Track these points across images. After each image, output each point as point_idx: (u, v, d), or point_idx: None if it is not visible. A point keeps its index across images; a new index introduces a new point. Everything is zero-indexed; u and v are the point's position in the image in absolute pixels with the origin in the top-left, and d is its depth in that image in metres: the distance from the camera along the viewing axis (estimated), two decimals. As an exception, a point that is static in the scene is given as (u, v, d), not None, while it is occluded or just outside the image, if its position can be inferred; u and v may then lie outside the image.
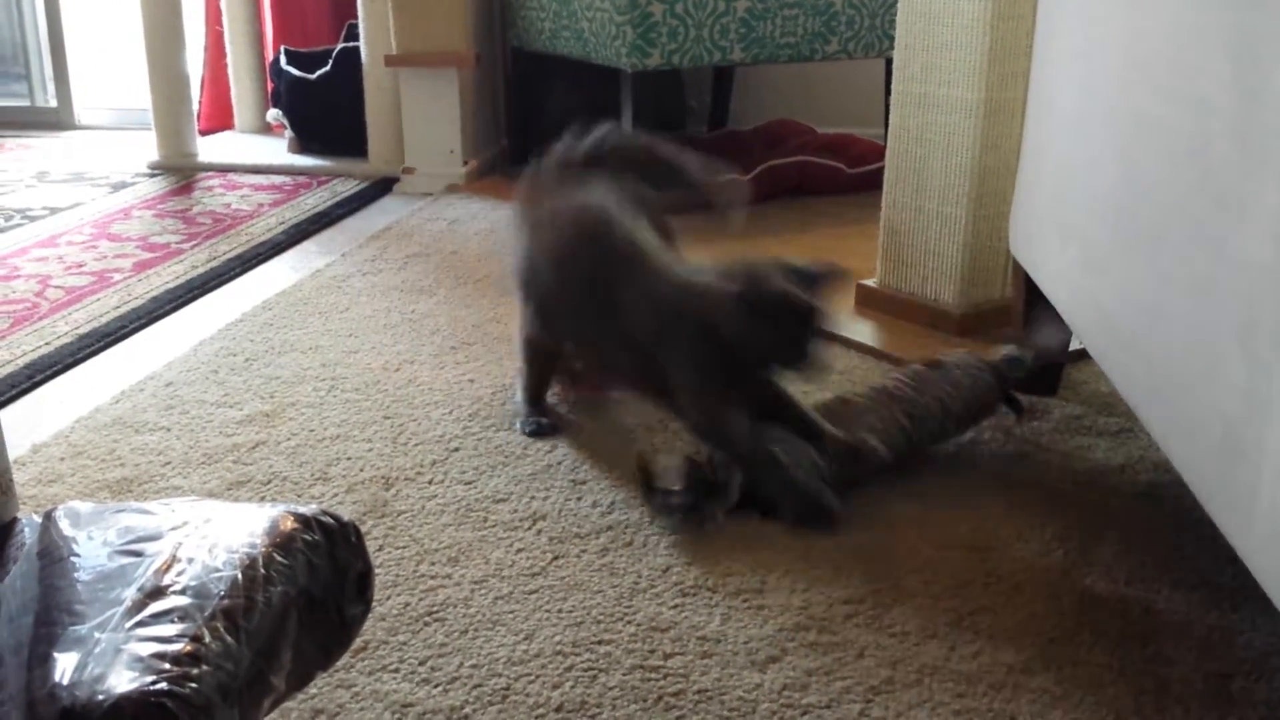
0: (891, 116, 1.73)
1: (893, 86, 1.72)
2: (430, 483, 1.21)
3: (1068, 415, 1.38)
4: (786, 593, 1.01)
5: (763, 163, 2.56)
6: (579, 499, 1.18)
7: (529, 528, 1.12)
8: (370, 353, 1.60)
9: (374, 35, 2.72)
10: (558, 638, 0.95)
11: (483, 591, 1.01)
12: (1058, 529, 1.12)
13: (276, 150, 3.10)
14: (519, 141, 2.96)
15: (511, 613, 0.98)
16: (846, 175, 2.60)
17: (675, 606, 0.99)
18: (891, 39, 2.50)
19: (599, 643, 0.94)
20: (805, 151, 2.65)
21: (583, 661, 0.92)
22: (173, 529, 0.61)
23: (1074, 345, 1.44)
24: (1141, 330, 0.95)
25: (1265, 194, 0.69)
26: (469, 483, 1.22)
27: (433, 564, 1.06)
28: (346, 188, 2.74)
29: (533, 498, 1.18)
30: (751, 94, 3.27)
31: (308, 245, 2.25)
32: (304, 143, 3.05)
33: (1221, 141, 0.76)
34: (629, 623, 0.97)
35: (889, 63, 2.61)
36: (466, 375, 1.51)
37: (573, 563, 1.06)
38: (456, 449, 1.29)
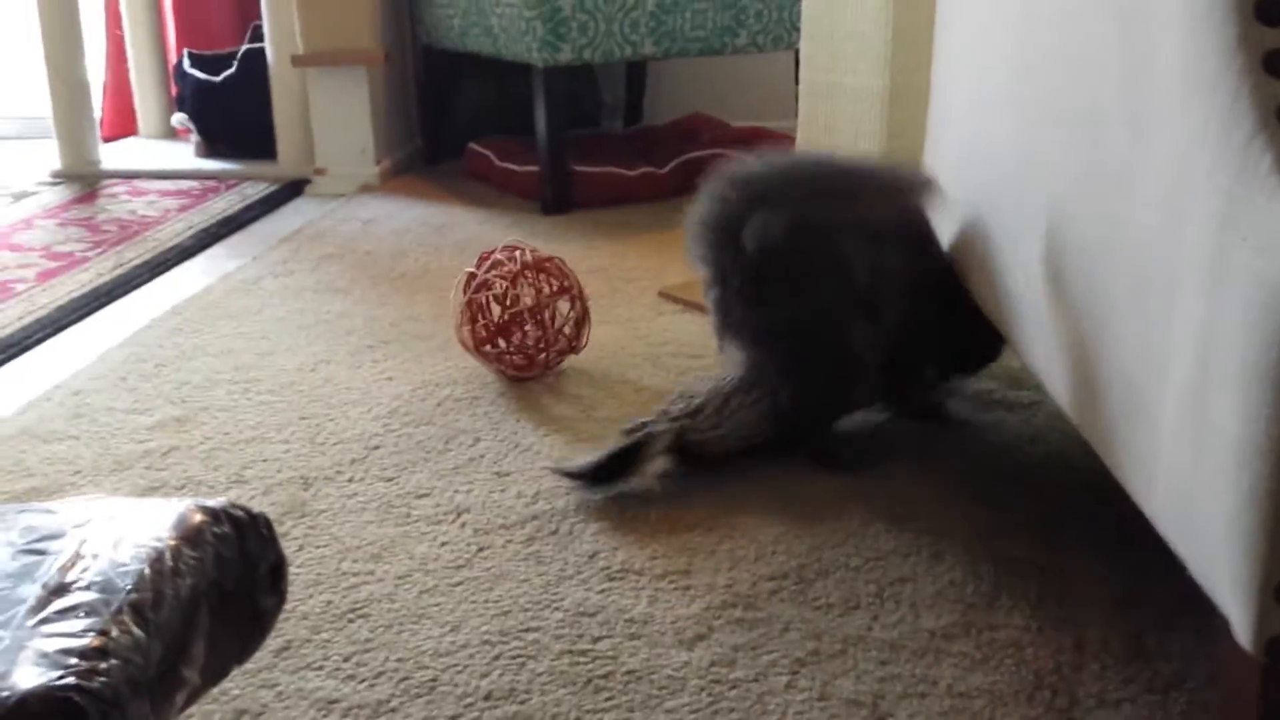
0: (800, 107, 1.75)
1: (800, 76, 1.74)
2: (350, 481, 1.20)
3: (980, 390, 1.40)
4: (712, 572, 1.01)
5: (678, 157, 2.58)
6: (503, 491, 1.17)
7: (452, 521, 1.11)
8: (285, 354, 1.57)
9: (279, 35, 2.68)
10: (484, 628, 0.94)
11: (407, 586, 1.00)
12: (974, 499, 1.14)
13: (183, 155, 3.04)
14: (433, 140, 2.94)
15: (437, 605, 0.97)
16: (761, 166, 2.62)
17: (602, 591, 0.99)
18: (799, 31, 2.53)
19: (526, 630, 0.94)
20: (719, 145, 2.67)
21: (510, 650, 0.91)
22: (76, 526, 0.59)
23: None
24: (1044, 302, 0.97)
25: (1151, 159, 0.72)
26: (390, 479, 1.20)
27: (355, 561, 1.04)
28: (256, 191, 2.69)
29: (456, 491, 1.17)
30: (665, 89, 3.28)
31: (217, 250, 2.21)
32: (211, 147, 2.99)
33: (1113, 109, 0.79)
34: (556, 609, 0.96)
35: (798, 54, 2.65)
36: (385, 374, 1.50)
37: (498, 554, 1.05)
38: (376, 446, 1.28)
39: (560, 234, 2.21)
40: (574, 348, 1.45)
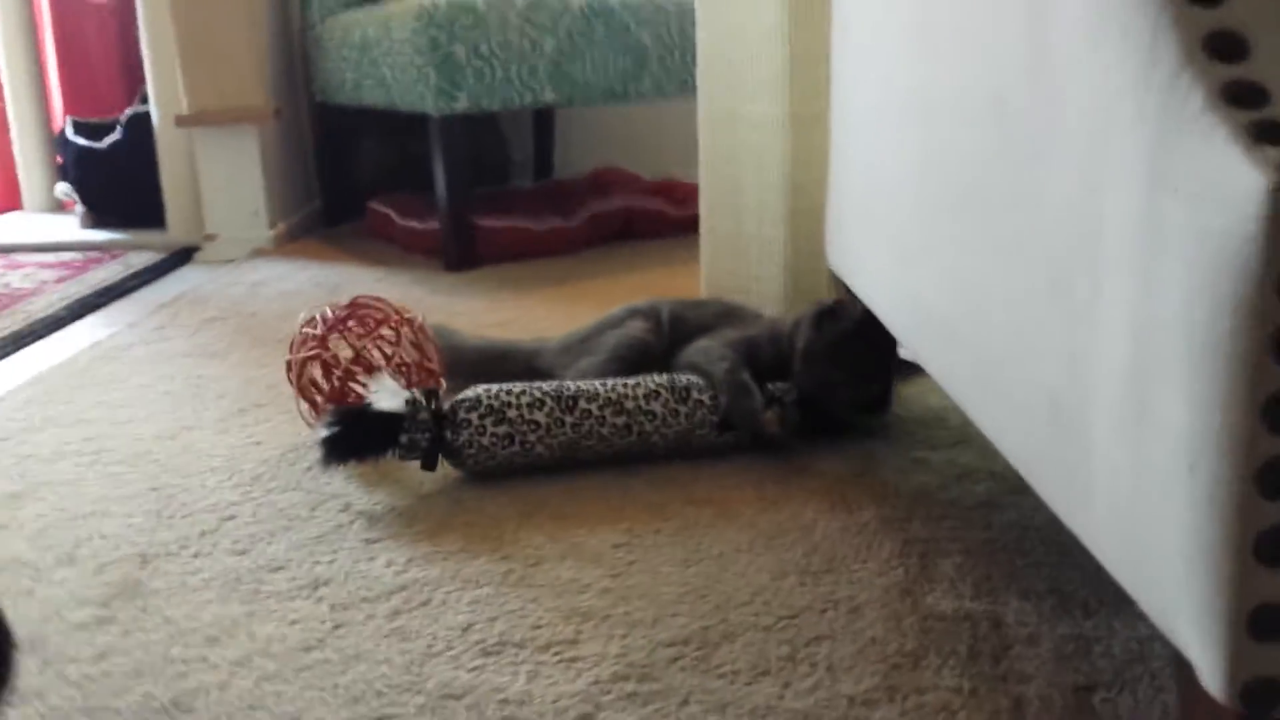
0: (701, 137, 1.67)
1: (699, 105, 1.66)
2: (195, 556, 1.05)
3: (900, 431, 1.30)
4: (604, 640, 0.89)
5: (587, 210, 2.48)
6: (370, 559, 1.03)
7: (308, 596, 0.97)
8: (143, 422, 1.42)
9: (164, 95, 2.55)
10: (330, 718, 0.80)
11: (244, 673, 0.86)
12: (896, 546, 1.03)
13: (68, 228, 2.88)
14: (333, 200, 2.82)
15: (277, 694, 0.83)
16: (672, 217, 2.54)
17: (474, 668, 0.85)
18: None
19: (379, 719, 0.80)
20: (631, 198, 2.58)
21: (359, 744, 0.77)
22: None
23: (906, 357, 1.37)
24: (960, 317, 0.87)
25: (1062, 127, 0.62)
26: (242, 552, 1.06)
27: (187, 646, 0.90)
28: (142, 260, 2.54)
29: (316, 562, 1.03)
30: (575, 143, 3.20)
31: (92, 319, 2.05)
32: (97, 217, 2.83)
33: (1017, 81, 0.69)
34: (417, 692, 0.83)
35: (707, 101, 2.58)
36: (253, 438, 1.35)
37: (357, 630, 0.91)
38: (231, 517, 1.14)
39: (463, 290, 2.09)
40: (430, 370, 1.31)
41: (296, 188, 2.78)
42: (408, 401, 1.17)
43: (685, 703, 0.80)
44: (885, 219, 1.09)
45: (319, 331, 1.29)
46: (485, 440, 1.17)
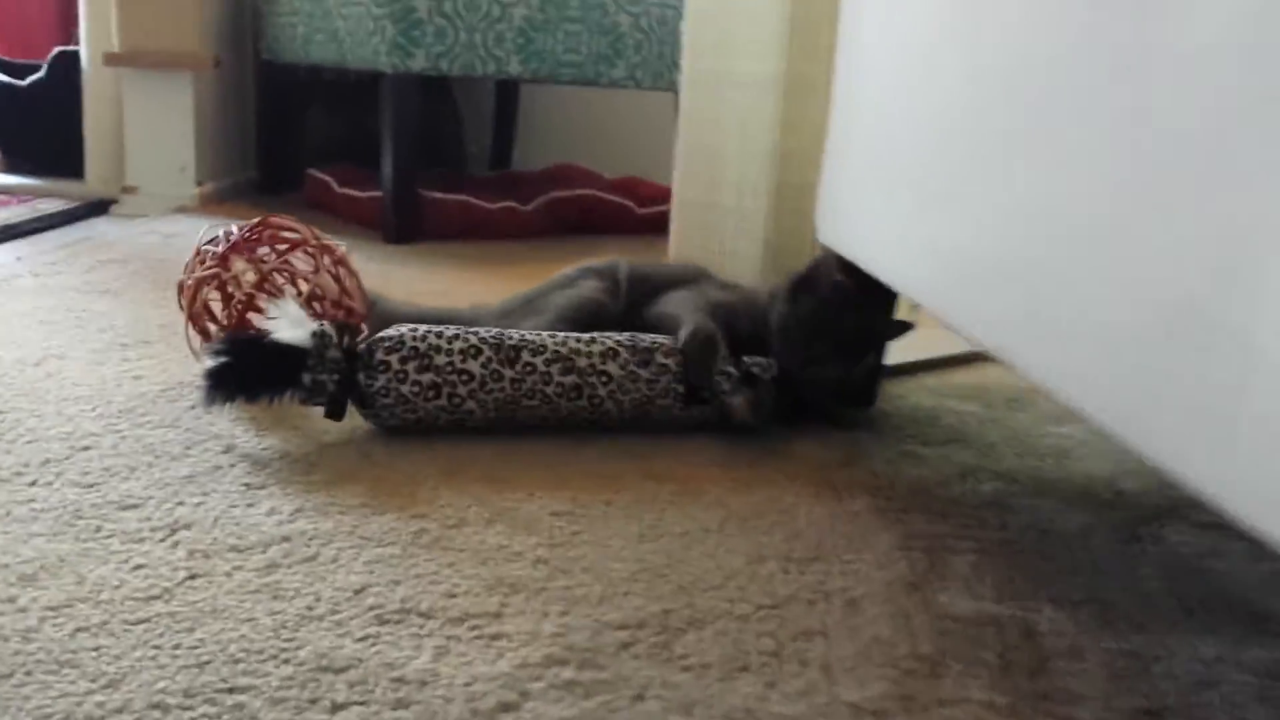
0: (682, 100, 1.50)
1: (683, 65, 1.49)
2: (32, 484, 0.84)
3: (888, 426, 1.13)
4: (535, 617, 0.69)
5: (544, 196, 2.30)
6: (249, 506, 0.83)
7: (162, 539, 0.77)
8: (6, 346, 1.21)
9: (97, 32, 2.33)
10: (163, 684, 0.59)
11: (59, 620, 0.65)
12: (895, 539, 0.85)
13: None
14: (269, 167, 2.61)
15: (97, 650, 0.62)
16: (636, 215, 2.36)
17: (365, 639, 0.65)
18: (678, 71, 2.31)
19: (229, 690, 0.59)
20: (593, 188, 2.41)
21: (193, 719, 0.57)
22: None
23: (890, 360, 1.20)
24: (1015, 250, 0.70)
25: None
26: (90, 486, 0.85)
27: (-10, 585, 0.69)
28: (52, 207, 2.30)
29: (180, 504, 0.83)
30: (536, 136, 3.03)
31: (-22, 253, 1.82)
32: (11, 161, 2.59)
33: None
34: (284, 661, 0.62)
35: (677, 95, 2.42)
36: (132, 373, 1.14)
37: (217, 584, 0.71)
38: (86, 448, 0.93)
39: (400, 261, 1.90)
40: (349, 308, 1.12)
41: (232, 150, 2.56)
42: (315, 334, 0.97)
43: (640, 697, 0.61)
44: (906, 166, 0.92)
45: (220, 249, 1.08)
46: (405, 389, 0.97)
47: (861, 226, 1.04)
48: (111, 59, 2.28)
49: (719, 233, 1.44)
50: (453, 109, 2.92)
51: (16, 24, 2.86)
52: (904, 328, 1.11)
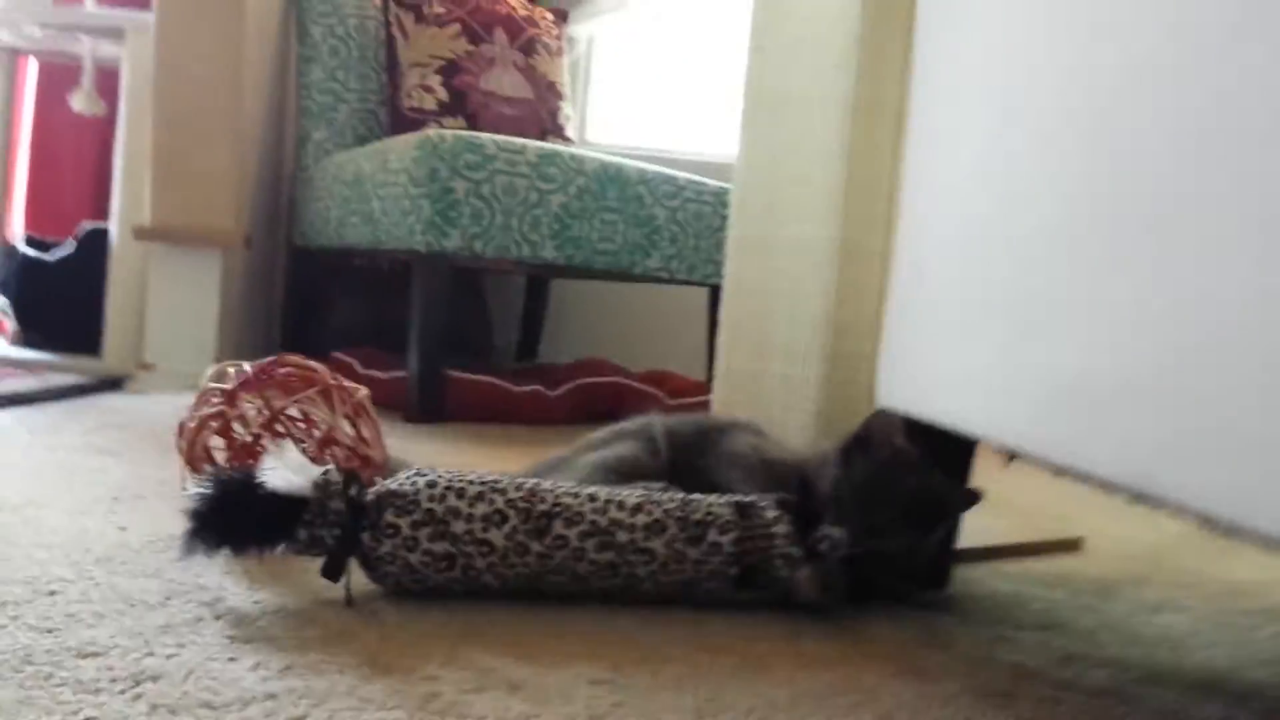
0: (728, 266, 1.43)
1: (730, 231, 1.43)
2: (-22, 627, 0.72)
3: (968, 609, 1.00)
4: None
5: (572, 382, 2.22)
6: (231, 660, 0.70)
7: (121, 691, 0.63)
8: (-15, 493, 1.10)
9: (129, 207, 2.33)
10: None
11: (-29, 778, 0.52)
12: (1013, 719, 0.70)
13: (-3, 348, 2.59)
14: (293, 350, 2.54)
15: (12, 816, 0.49)
16: (666, 405, 2.27)
17: (356, 816, 0.51)
18: (716, 266, 2.27)
19: None
20: (623, 378, 2.33)
21: None
22: None
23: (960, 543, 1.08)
24: (1158, 362, 0.60)
25: None
26: (48, 630, 0.72)
27: (-104, 732, 0.55)
28: (64, 381, 2.23)
29: (149, 654, 0.70)
30: (564, 332, 2.99)
31: (-21, 416, 1.73)
32: (28, 336, 2.55)
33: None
34: (253, 838, 0.48)
35: (713, 291, 2.38)
36: (118, 524, 1.03)
37: (181, 743, 0.57)
38: (52, 593, 0.80)
39: (422, 438, 1.80)
40: (365, 458, 1.00)
41: (255, 331, 2.52)
42: (317, 482, 0.85)
43: None
44: (997, 295, 0.83)
45: (229, 387, 0.99)
46: (415, 558, 0.84)
47: (937, 376, 0.94)
48: (141, 233, 2.26)
49: (767, 403, 1.33)
50: (481, 303, 2.89)
51: (50, 203, 2.88)
52: (975, 497, 0.99)
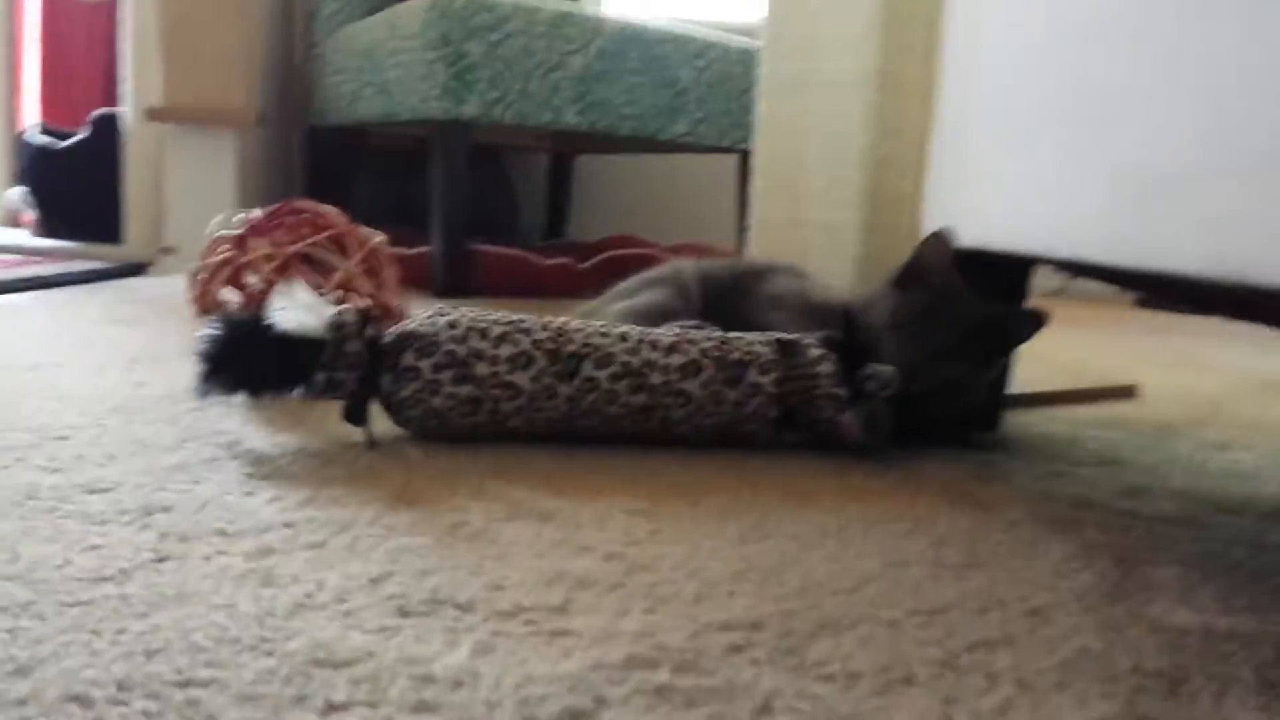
0: (759, 109, 1.36)
1: (762, 70, 1.35)
2: (-18, 467, 0.68)
3: (1020, 449, 0.95)
4: (612, 615, 0.51)
5: (601, 255, 2.16)
6: (247, 494, 0.66)
7: (129, 522, 0.60)
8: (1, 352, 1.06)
9: (141, 89, 2.26)
10: (90, 673, 0.42)
11: (-34, 599, 0.48)
12: (1072, 549, 0.66)
13: (18, 236, 2.56)
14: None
15: (11, 632, 0.45)
16: (697, 277, 2.21)
17: (379, 630, 0.48)
18: (745, 131, 2.18)
19: (182, 683, 0.42)
20: (653, 249, 2.27)
21: (126, 716, 0.39)
22: None
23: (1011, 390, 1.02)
24: (1231, 160, 0.53)
25: None
26: (54, 470, 0.69)
27: (-112, 557, 0.52)
28: (85, 266, 2.20)
29: (161, 489, 0.66)
30: (590, 209, 2.92)
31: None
32: (49, 225, 2.51)
33: None
34: (266, 653, 0.45)
35: (743, 156, 2.29)
36: (135, 381, 0.99)
37: (190, 567, 0.54)
38: (63, 438, 0.77)
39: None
40: (384, 305, 0.95)
41: (275, 214, 2.47)
42: (332, 323, 0.80)
43: (767, 709, 0.43)
44: (1065, 89, 0.76)
45: (238, 232, 0.94)
46: (438, 402, 0.80)
47: (991, 197, 0.87)
48: (154, 114, 2.20)
49: (803, 252, 1.27)
50: (507, 185, 2.82)
51: (64, 91, 2.82)
52: (1041, 320, 0.92)
